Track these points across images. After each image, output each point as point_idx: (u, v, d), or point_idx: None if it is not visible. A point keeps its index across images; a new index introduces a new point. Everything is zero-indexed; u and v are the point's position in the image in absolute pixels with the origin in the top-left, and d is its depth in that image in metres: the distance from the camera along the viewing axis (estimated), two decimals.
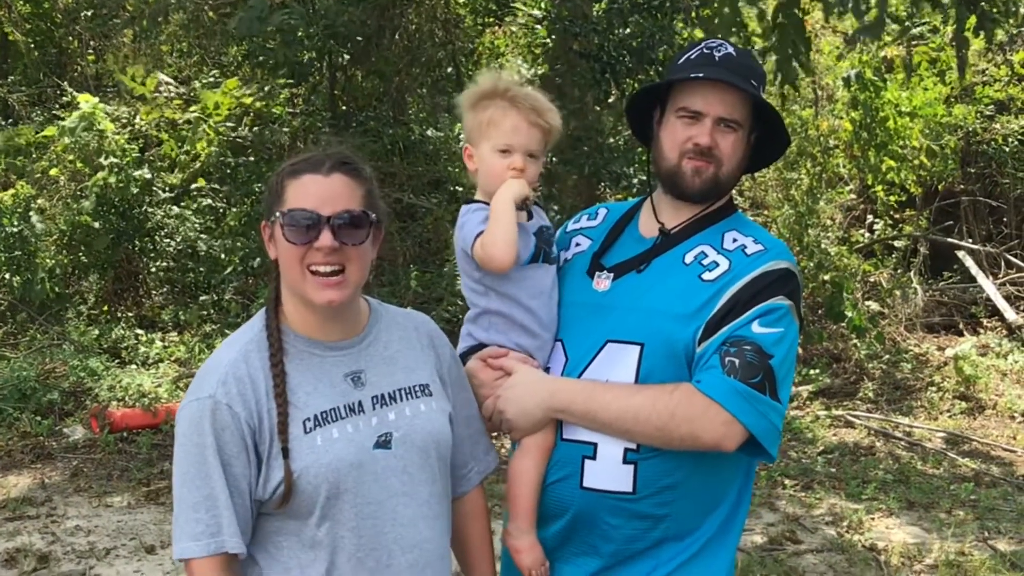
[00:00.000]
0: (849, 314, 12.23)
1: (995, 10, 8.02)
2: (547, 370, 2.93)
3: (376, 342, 2.69)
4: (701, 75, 2.88)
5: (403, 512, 2.61)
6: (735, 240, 2.91)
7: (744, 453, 2.75)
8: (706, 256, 2.88)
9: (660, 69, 11.98)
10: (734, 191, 3.13)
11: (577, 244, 3.11)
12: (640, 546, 2.84)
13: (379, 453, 2.59)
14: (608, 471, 2.80)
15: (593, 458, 2.81)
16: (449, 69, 14.50)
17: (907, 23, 10.85)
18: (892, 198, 14.40)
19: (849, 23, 11.78)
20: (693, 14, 11.13)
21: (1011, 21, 10.22)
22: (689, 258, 2.89)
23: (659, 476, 2.79)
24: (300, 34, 11.28)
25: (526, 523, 2.87)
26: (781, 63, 8.07)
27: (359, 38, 12.55)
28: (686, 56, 2.96)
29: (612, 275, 2.95)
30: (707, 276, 2.83)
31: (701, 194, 2.92)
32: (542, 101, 2.89)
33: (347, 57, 12.95)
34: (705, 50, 2.92)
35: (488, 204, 2.86)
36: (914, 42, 13.56)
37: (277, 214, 2.52)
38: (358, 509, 2.55)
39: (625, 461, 2.78)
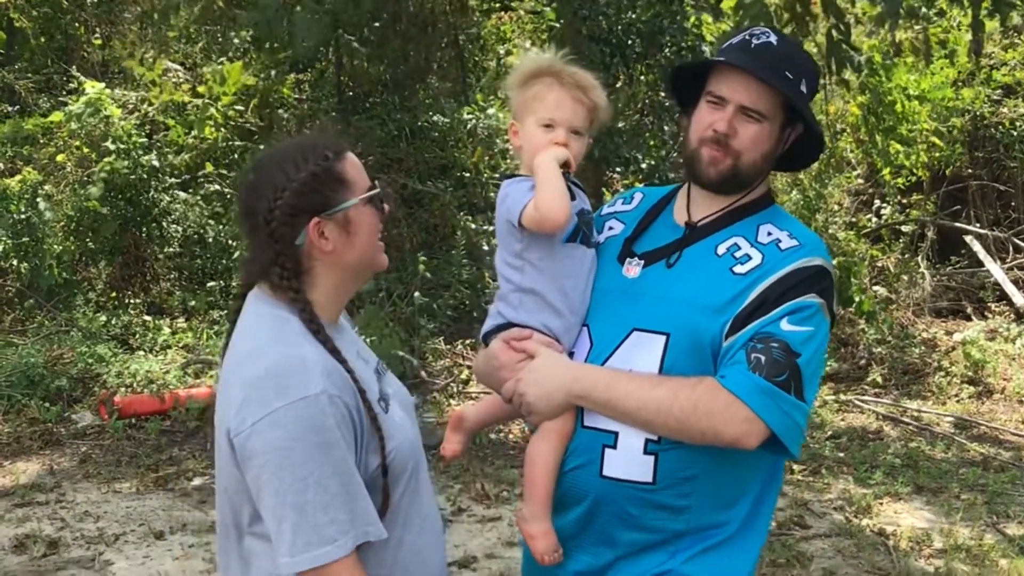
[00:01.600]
0: (857, 299, 12.21)
1: None
2: (571, 355, 2.89)
3: (344, 322, 2.74)
4: (723, 60, 2.85)
5: (426, 478, 2.70)
6: (770, 234, 2.86)
7: (766, 451, 2.71)
8: (739, 248, 2.84)
9: (669, 53, 11.97)
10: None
11: (610, 228, 3.07)
12: (658, 537, 2.81)
13: (411, 424, 2.67)
14: (628, 460, 2.76)
15: (613, 447, 2.77)
16: (454, 54, 14.46)
17: (918, 6, 10.79)
18: (899, 180, 14.36)
19: (860, 8, 11.73)
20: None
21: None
22: (722, 249, 2.85)
23: (680, 467, 2.75)
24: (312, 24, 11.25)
25: (541, 508, 2.84)
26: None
27: (367, 22, 12.52)
28: (729, 41, 2.94)
29: (643, 262, 2.91)
30: (739, 269, 2.79)
31: (715, 184, 2.88)
32: (588, 79, 2.88)
33: (354, 45, 12.93)
34: (747, 36, 2.88)
35: (529, 177, 2.86)
36: (922, 24, 13.49)
37: (355, 200, 2.53)
38: (415, 481, 2.61)
39: (646, 451, 2.75)
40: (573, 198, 2.90)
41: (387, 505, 2.50)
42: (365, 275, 2.70)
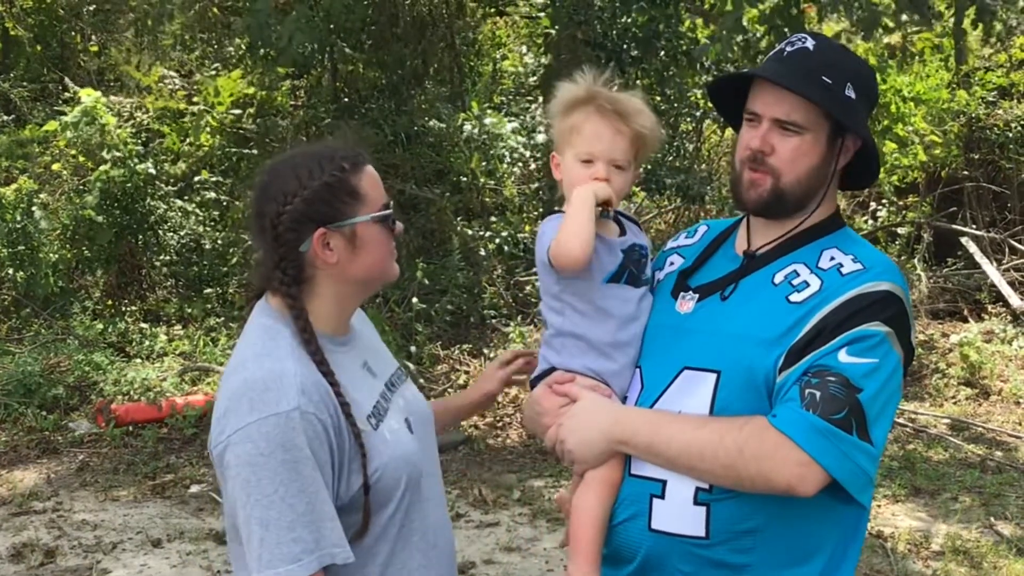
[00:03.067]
0: None
1: (996, 2, 8.00)
2: (624, 400, 2.70)
3: (358, 333, 2.71)
4: (753, 72, 2.69)
5: (434, 492, 2.67)
6: (832, 258, 2.62)
7: (835, 500, 2.45)
8: (797, 276, 2.61)
9: (664, 57, 11.97)
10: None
11: (671, 264, 2.88)
12: None
13: (413, 438, 2.64)
14: (678, 512, 2.54)
15: (662, 497, 2.55)
16: (449, 60, 14.48)
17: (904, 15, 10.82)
18: (895, 178, 14.37)
19: (839, 24, 11.77)
20: (697, 2, 11.13)
21: (1009, 12, 10.20)
22: (779, 278, 2.63)
23: (736, 520, 2.51)
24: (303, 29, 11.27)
25: (588, 564, 2.62)
26: None
27: (362, 28, 12.54)
28: (770, 53, 2.74)
29: (697, 296, 2.72)
30: (795, 297, 2.56)
31: (757, 208, 2.68)
32: (630, 104, 2.69)
33: (350, 51, 12.95)
34: (783, 45, 2.69)
35: None
36: (916, 28, 13.50)
37: (365, 217, 2.52)
38: (414, 495, 2.56)
39: (696, 502, 2.52)
40: (623, 233, 2.77)
41: (366, 525, 2.47)
42: (372, 287, 2.68)
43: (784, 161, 2.61)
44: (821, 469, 2.38)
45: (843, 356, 2.44)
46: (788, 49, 2.66)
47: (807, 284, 2.57)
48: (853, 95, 2.62)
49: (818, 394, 2.40)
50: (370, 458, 2.44)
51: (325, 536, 2.33)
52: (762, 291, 2.63)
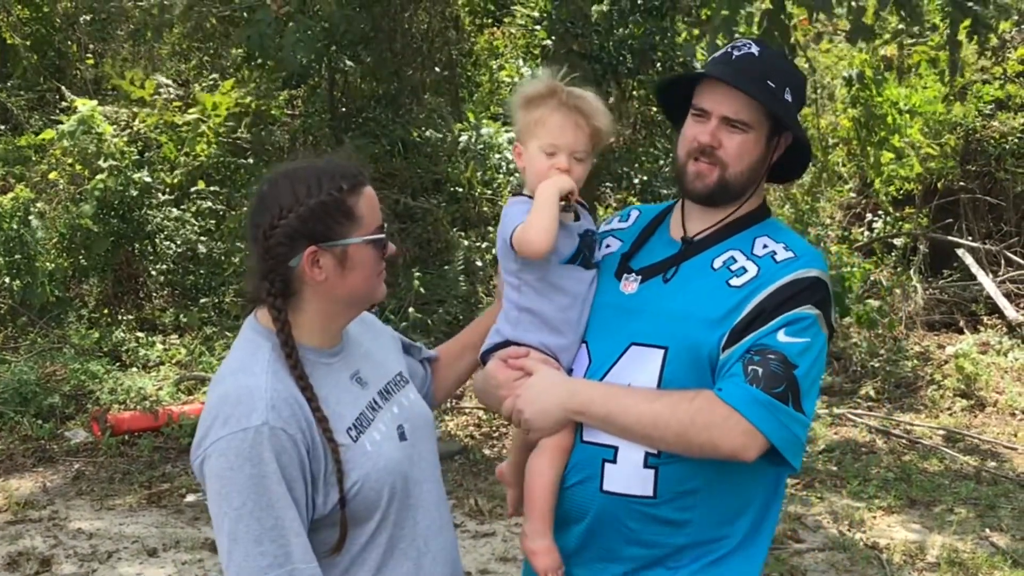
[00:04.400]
0: (853, 307, 12.22)
1: (989, 16, 8.03)
2: (570, 372, 2.90)
3: (352, 341, 2.72)
4: (704, 73, 2.89)
5: (428, 498, 2.70)
6: (766, 246, 2.86)
7: (767, 463, 2.70)
8: (735, 261, 2.84)
9: (660, 69, 12.00)
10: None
11: (607, 246, 3.08)
12: (660, 552, 2.80)
13: (403, 446, 2.65)
14: (628, 475, 2.75)
15: (613, 461, 2.77)
16: (447, 72, 14.50)
17: (900, 25, 10.84)
18: (892, 188, 14.39)
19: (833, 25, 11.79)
20: (693, 13, 11.15)
21: (1004, 25, 10.22)
22: (718, 263, 2.86)
23: (680, 481, 2.74)
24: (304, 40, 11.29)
25: (543, 524, 2.83)
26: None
27: (360, 39, 12.55)
28: (714, 55, 2.97)
29: (640, 278, 2.93)
30: (735, 282, 2.79)
31: (703, 197, 2.90)
32: (590, 104, 2.89)
33: (347, 62, 12.96)
34: (729, 49, 2.91)
35: (532, 198, 2.88)
36: (912, 40, 13.54)
37: (356, 239, 2.54)
38: (402, 504, 2.59)
39: (646, 465, 2.74)
40: (577, 218, 2.95)
41: (343, 538, 2.49)
42: (358, 307, 2.70)
43: (731, 155, 2.85)
44: (763, 437, 2.63)
45: (781, 336, 2.69)
46: (736, 53, 2.88)
47: (745, 270, 2.81)
48: (790, 99, 2.88)
49: (760, 370, 2.64)
50: (347, 472, 2.47)
51: (293, 551, 2.36)
52: (703, 275, 2.85)
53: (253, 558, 2.33)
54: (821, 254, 2.92)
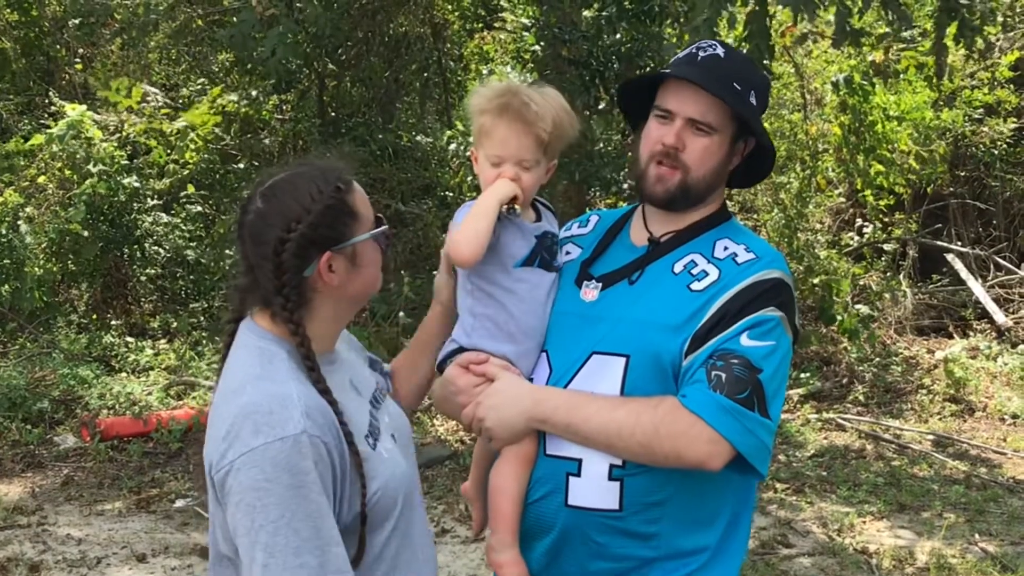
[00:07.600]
0: (840, 317, 12.23)
1: (975, 19, 8.04)
2: (531, 380, 2.82)
3: (338, 350, 2.68)
4: (669, 72, 2.82)
5: (419, 512, 2.68)
6: (726, 248, 2.80)
7: (733, 471, 2.63)
8: (696, 265, 2.78)
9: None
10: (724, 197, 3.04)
11: (567, 252, 3.00)
12: (628, 566, 2.73)
13: (403, 453, 2.64)
14: (593, 488, 2.69)
15: (578, 475, 2.71)
16: (437, 78, 14.51)
17: (891, 29, 10.85)
18: (882, 202, 14.42)
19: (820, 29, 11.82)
20: (681, 19, 11.16)
21: (990, 29, 10.23)
22: (678, 267, 2.79)
23: (646, 493, 2.68)
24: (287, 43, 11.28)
25: (508, 536, 2.77)
26: None
27: (348, 44, 12.56)
28: (677, 56, 2.91)
29: (600, 285, 2.86)
30: (696, 286, 2.73)
31: (664, 202, 2.83)
32: (535, 111, 2.78)
33: (333, 67, 12.96)
34: (694, 50, 2.83)
35: None
36: (901, 46, 13.56)
37: (366, 235, 2.53)
38: (406, 511, 2.57)
39: (611, 478, 2.68)
40: (538, 219, 2.90)
41: (361, 553, 2.45)
42: (362, 302, 2.69)
43: (694, 158, 2.78)
44: (729, 445, 2.57)
45: (744, 340, 2.62)
46: (701, 54, 2.81)
47: (706, 273, 2.75)
48: (755, 102, 2.83)
49: (724, 376, 2.58)
50: (369, 480, 2.43)
51: (330, 561, 2.30)
52: (663, 280, 2.79)
53: (292, 570, 2.26)
54: (782, 255, 2.87)
